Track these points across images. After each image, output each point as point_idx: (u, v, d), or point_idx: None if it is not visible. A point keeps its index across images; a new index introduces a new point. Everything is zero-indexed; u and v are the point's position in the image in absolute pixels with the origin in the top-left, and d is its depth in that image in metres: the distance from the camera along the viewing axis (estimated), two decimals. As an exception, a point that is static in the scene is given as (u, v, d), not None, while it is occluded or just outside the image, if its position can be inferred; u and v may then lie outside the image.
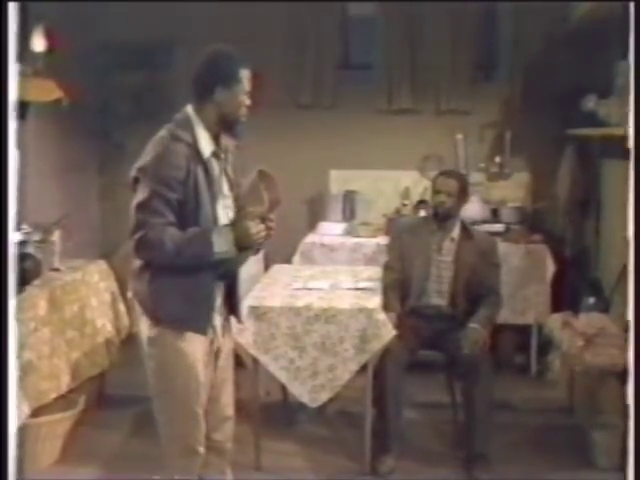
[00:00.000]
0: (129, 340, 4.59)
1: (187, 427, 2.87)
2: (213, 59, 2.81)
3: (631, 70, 2.30)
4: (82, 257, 4.73)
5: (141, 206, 2.68)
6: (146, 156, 2.73)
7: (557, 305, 5.13)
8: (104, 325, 4.58)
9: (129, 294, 2.93)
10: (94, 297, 4.52)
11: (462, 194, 4.24)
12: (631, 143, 2.27)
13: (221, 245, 2.71)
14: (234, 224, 2.78)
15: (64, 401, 4.03)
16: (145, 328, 2.83)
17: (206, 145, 2.78)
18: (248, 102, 2.84)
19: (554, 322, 4.52)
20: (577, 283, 5.33)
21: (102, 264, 4.75)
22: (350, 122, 6.13)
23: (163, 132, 2.78)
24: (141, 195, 2.68)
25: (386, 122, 6.15)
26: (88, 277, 4.50)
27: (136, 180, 2.73)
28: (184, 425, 2.87)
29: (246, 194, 2.91)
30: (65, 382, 4.03)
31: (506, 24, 6.13)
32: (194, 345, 2.82)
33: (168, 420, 2.88)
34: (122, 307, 4.74)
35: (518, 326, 5.41)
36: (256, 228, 2.79)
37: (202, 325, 2.84)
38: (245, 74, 2.80)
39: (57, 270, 4.34)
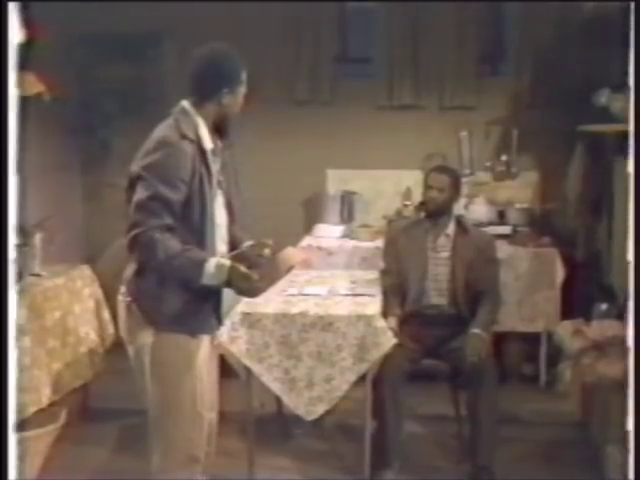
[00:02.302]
0: (114, 349, 4.57)
1: (193, 433, 2.93)
2: (219, 61, 2.92)
3: (631, 70, 2.31)
4: (65, 262, 4.72)
5: (140, 205, 2.74)
6: (153, 154, 2.77)
7: (568, 312, 5.12)
8: (87, 334, 4.57)
9: (123, 299, 2.93)
10: (77, 304, 4.51)
11: (454, 189, 4.30)
12: (631, 144, 2.28)
13: (211, 279, 2.79)
14: (233, 268, 2.81)
15: (44, 415, 4.01)
16: (146, 334, 2.87)
17: (207, 143, 2.89)
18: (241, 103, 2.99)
19: (565, 330, 4.52)
20: (589, 288, 5.33)
21: (86, 269, 4.74)
22: (349, 119, 6.13)
23: (167, 129, 2.84)
24: (142, 194, 2.75)
25: (387, 119, 6.15)
26: (71, 283, 4.49)
27: (138, 177, 2.78)
28: (190, 431, 2.92)
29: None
30: (46, 395, 4.02)
31: (513, 15, 6.13)
32: (200, 346, 2.93)
33: (173, 428, 2.91)
34: (107, 314, 4.73)
35: (526, 334, 5.40)
36: (251, 285, 2.83)
37: (208, 325, 2.98)
38: (245, 76, 2.95)
39: (38, 275, 4.32)
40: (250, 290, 2.88)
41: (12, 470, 2.24)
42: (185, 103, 2.91)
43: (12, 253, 2.21)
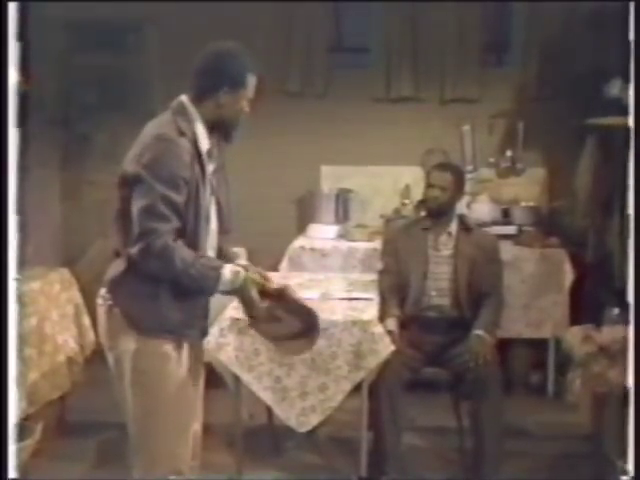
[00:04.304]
0: (94, 358, 4.55)
1: (177, 446, 2.92)
2: (224, 58, 2.92)
3: (631, 71, 2.33)
4: (42, 264, 4.69)
5: (147, 211, 2.72)
6: (151, 152, 2.75)
7: (577, 317, 5.11)
8: (66, 341, 4.55)
9: (103, 303, 2.90)
10: (55, 310, 4.49)
11: (458, 188, 4.34)
12: (632, 146, 2.29)
13: (227, 285, 2.82)
14: (248, 278, 2.86)
15: (19, 429, 3.98)
16: (129, 340, 2.85)
17: (204, 142, 2.88)
18: (247, 109, 2.97)
19: (574, 336, 4.50)
20: (599, 292, 5.32)
21: (64, 272, 4.72)
22: (344, 112, 6.13)
23: (164, 125, 2.83)
24: (147, 198, 2.73)
25: (384, 112, 6.15)
26: (48, 287, 4.47)
27: (137, 177, 2.75)
28: (174, 444, 2.91)
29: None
30: (20, 407, 3.99)
31: (519, 1, 6.12)
32: (188, 353, 2.93)
33: (155, 440, 2.89)
34: (87, 321, 4.71)
35: (533, 341, 5.41)
36: (257, 302, 2.89)
37: (196, 331, 2.98)
38: (252, 80, 2.94)
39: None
40: (256, 307, 2.89)
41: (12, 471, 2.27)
42: (184, 98, 2.90)
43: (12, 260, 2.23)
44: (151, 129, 2.84)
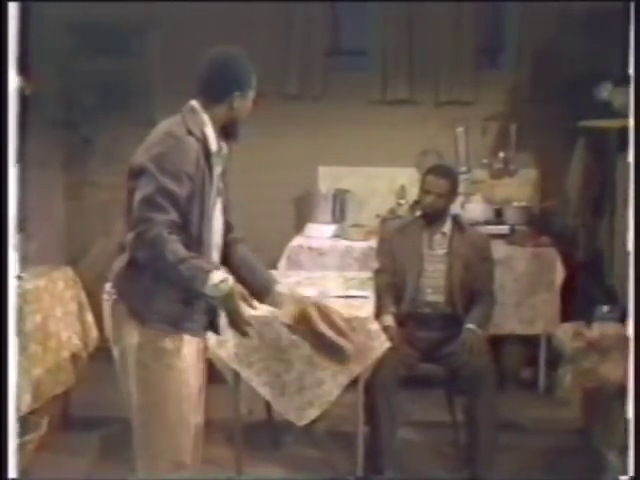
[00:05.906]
0: (98, 354, 4.56)
1: (179, 439, 2.92)
2: (232, 64, 2.97)
3: (632, 70, 2.34)
4: (46, 263, 4.69)
5: (146, 200, 2.74)
6: (158, 146, 2.80)
7: (568, 314, 5.13)
8: (70, 338, 4.56)
9: (109, 297, 2.92)
10: (59, 307, 4.49)
11: (452, 192, 4.37)
12: (631, 147, 2.31)
13: (212, 290, 2.75)
14: (234, 289, 2.79)
15: (24, 423, 4.00)
16: (132, 334, 2.86)
17: (213, 144, 2.92)
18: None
19: (565, 333, 4.52)
20: (590, 290, 5.34)
21: (68, 271, 4.72)
22: (341, 114, 6.14)
23: (173, 124, 2.87)
24: (147, 188, 2.75)
25: (380, 114, 6.16)
26: (52, 285, 4.47)
27: (142, 169, 2.78)
28: (176, 437, 2.92)
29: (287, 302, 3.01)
30: (25, 402, 4.00)
31: (513, 4, 6.13)
32: (190, 347, 2.93)
33: (158, 433, 2.90)
34: (90, 318, 4.72)
35: (525, 337, 5.42)
36: (244, 314, 2.83)
37: (198, 325, 2.97)
38: (255, 80, 3.00)
39: (18, 277, 4.30)
40: (240, 319, 2.83)
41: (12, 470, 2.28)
42: (194, 102, 2.94)
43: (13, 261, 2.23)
44: (161, 127, 2.88)
